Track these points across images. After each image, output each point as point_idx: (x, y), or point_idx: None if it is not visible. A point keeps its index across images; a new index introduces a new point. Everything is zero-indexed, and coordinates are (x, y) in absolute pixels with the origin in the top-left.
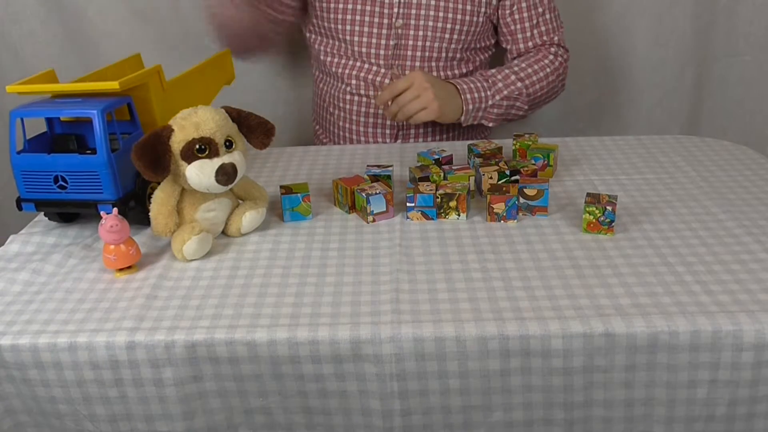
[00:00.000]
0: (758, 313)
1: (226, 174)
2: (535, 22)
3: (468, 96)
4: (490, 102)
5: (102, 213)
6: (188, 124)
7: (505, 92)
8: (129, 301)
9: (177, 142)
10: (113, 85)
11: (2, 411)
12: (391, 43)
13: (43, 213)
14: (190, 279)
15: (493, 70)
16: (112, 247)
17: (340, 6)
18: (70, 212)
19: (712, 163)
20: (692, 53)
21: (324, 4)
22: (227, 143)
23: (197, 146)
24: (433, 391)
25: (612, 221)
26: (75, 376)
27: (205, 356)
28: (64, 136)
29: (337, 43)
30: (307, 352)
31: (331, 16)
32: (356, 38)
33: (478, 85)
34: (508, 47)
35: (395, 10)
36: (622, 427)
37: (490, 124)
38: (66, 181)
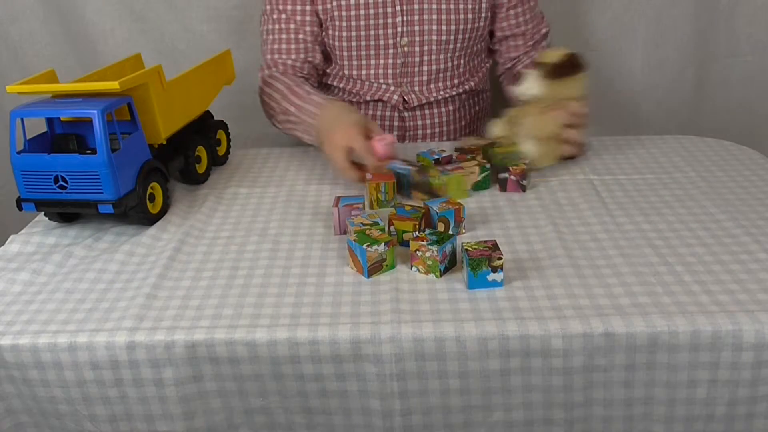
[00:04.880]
0: (758, 313)
1: None
2: (528, 17)
3: None
4: None
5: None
6: None
7: None
8: (129, 301)
9: None
10: (113, 85)
11: (2, 411)
12: (399, 61)
13: (43, 213)
14: (190, 279)
15: None
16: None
17: (344, 34)
18: (70, 212)
19: (711, 163)
20: (692, 54)
21: (336, 43)
22: None
23: None
24: (433, 391)
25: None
26: (75, 376)
27: (205, 356)
28: (64, 136)
29: (346, 71)
30: (307, 352)
31: (345, 53)
32: (363, 62)
33: None
34: (506, 45)
35: (399, 29)
36: (621, 427)
37: None
38: (66, 181)
